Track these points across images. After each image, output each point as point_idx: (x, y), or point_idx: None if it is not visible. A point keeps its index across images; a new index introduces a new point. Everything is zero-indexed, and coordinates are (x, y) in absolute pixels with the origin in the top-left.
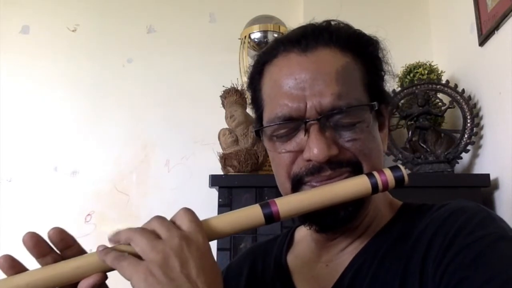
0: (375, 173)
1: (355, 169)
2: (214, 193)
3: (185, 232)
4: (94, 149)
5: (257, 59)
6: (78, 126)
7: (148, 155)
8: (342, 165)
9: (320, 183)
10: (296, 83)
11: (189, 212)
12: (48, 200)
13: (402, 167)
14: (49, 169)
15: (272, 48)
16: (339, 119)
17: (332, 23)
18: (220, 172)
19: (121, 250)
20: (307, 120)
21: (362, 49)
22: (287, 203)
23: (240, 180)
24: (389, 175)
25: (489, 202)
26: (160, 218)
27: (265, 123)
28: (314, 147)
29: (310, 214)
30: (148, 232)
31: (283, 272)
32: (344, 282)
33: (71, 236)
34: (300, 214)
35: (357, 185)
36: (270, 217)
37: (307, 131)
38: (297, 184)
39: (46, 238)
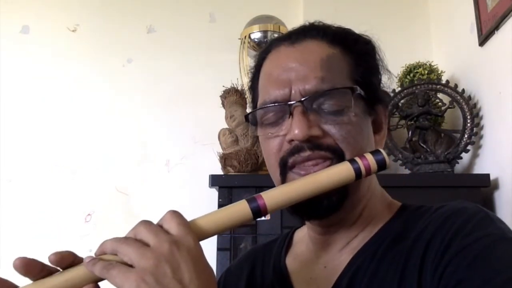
0: (357, 159)
1: (336, 156)
2: (214, 193)
3: (174, 236)
4: (94, 149)
5: (256, 59)
6: (78, 126)
7: (148, 155)
8: (322, 148)
9: (303, 169)
10: (283, 70)
11: (175, 214)
12: (48, 200)
13: (382, 150)
14: (49, 169)
15: (267, 46)
16: (322, 102)
17: (323, 22)
18: (220, 172)
19: (108, 260)
20: (291, 103)
21: (350, 45)
22: (273, 196)
23: (240, 180)
24: (370, 159)
25: (489, 202)
26: (146, 224)
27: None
28: (295, 127)
29: (296, 205)
30: (134, 240)
31: (281, 274)
32: (343, 283)
33: (70, 253)
34: (287, 206)
35: (340, 171)
36: (258, 211)
37: (291, 114)
38: (284, 169)
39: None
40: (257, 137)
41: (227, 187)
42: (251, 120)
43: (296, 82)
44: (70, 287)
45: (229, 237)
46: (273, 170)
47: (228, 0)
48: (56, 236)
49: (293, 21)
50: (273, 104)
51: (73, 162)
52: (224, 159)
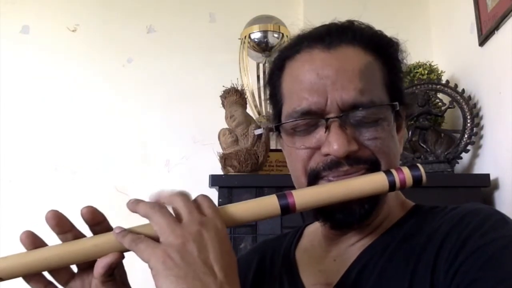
0: (393, 171)
1: (373, 167)
2: (214, 193)
3: (204, 218)
4: (94, 149)
5: (278, 54)
6: (78, 126)
7: (148, 155)
8: (360, 162)
9: (337, 178)
10: (318, 77)
11: (207, 198)
12: (48, 200)
13: (420, 166)
14: (49, 169)
15: (295, 44)
16: (360, 116)
17: (355, 23)
18: (220, 172)
19: (137, 232)
20: (328, 117)
21: (383, 50)
22: (304, 195)
23: (240, 180)
24: (407, 173)
25: (489, 202)
26: (184, 197)
27: (284, 117)
28: (334, 142)
29: (324, 209)
30: (168, 213)
31: (290, 266)
32: (351, 276)
33: (101, 214)
34: (316, 207)
35: (374, 181)
36: (286, 208)
37: (327, 128)
38: (313, 180)
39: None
40: (257, 136)
41: (227, 187)
42: (273, 122)
43: (333, 92)
44: (98, 252)
45: (229, 238)
46: (298, 175)
47: (228, 0)
48: (56, 236)
49: (293, 21)
50: (307, 116)
51: (73, 162)
52: (224, 159)
